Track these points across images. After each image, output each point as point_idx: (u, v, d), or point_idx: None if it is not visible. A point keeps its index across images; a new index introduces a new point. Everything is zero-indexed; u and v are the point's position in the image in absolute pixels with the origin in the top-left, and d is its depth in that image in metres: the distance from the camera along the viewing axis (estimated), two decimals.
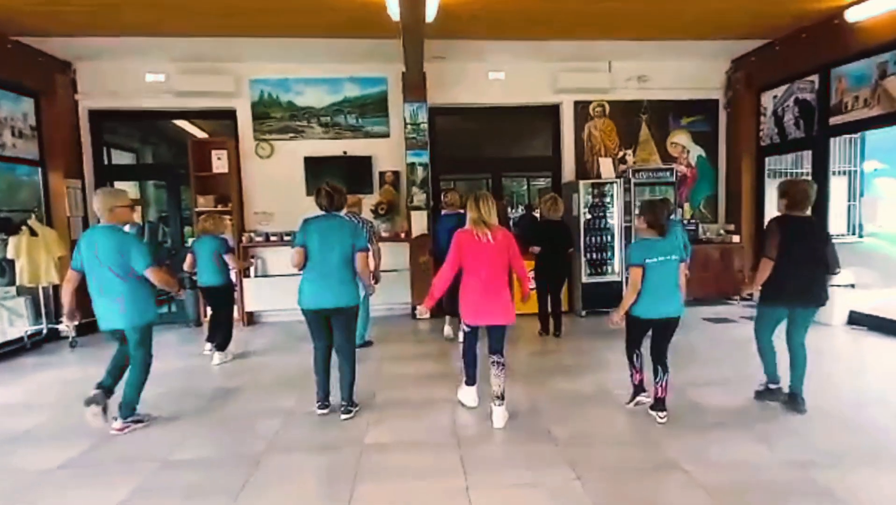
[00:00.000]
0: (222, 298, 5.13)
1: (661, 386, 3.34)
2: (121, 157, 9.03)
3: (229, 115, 6.97)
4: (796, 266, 3.33)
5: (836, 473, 2.68)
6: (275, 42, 6.14)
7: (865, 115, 5.46)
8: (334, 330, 3.59)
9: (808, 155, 6.41)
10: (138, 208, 3.74)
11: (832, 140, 5.99)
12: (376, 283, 4.77)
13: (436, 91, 6.84)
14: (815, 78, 6.03)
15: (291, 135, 6.94)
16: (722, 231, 7.29)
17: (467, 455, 2.97)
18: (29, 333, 5.83)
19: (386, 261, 6.56)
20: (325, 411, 3.60)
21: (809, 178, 5.98)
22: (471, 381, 3.65)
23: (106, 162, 7.19)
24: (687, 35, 6.28)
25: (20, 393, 4.41)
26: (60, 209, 6.30)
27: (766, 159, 7.01)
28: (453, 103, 7.09)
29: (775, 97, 6.68)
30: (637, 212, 3.60)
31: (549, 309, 5.60)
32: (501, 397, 3.35)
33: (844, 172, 7.25)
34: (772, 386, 3.62)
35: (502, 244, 3.34)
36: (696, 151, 7.41)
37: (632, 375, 3.59)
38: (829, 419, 3.33)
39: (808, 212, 3.48)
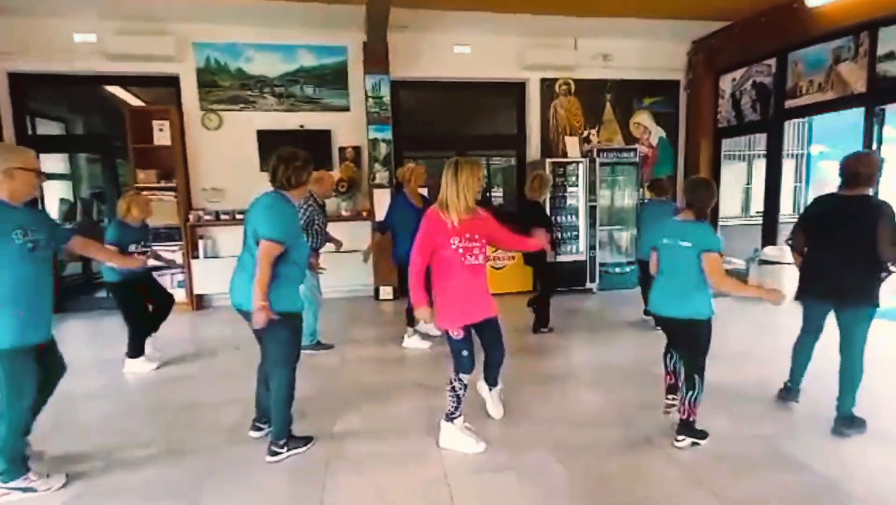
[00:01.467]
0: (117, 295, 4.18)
1: (683, 405, 2.76)
2: (48, 128, 8.20)
3: (171, 82, 6.39)
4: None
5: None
6: (222, 1, 5.64)
7: (819, 100, 5.64)
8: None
9: (762, 137, 6.60)
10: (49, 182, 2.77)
11: (787, 123, 6.18)
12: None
13: (399, 63, 6.52)
14: (772, 62, 6.17)
15: (242, 105, 6.45)
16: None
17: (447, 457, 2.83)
18: None
19: (347, 242, 6.31)
20: (258, 435, 2.93)
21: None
22: (459, 412, 2.80)
23: (30, 132, 6.47)
24: (650, 13, 6.25)
25: None
26: None
27: (723, 141, 7.17)
28: (417, 77, 6.81)
29: (734, 80, 6.81)
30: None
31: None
32: (447, 416, 2.81)
33: (793, 155, 7.55)
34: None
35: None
36: (658, 132, 7.48)
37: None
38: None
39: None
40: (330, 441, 2.89)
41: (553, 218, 6.39)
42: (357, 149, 6.66)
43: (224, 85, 6.40)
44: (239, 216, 6.20)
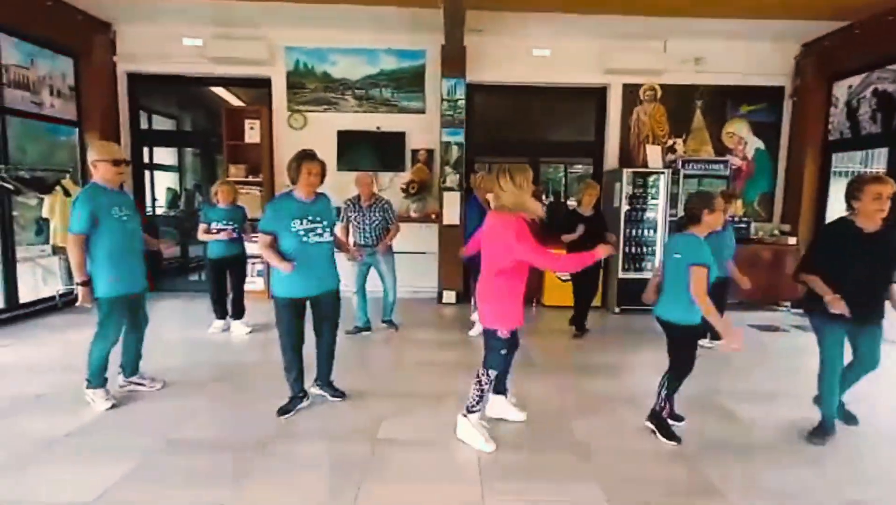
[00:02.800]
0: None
1: (658, 396, 3.08)
2: (162, 123, 9.09)
3: (264, 84, 6.83)
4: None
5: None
6: (312, 8, 5.91)
7: None
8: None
9: (882, 153, 5.80)
10: (126, 169, 3.38)
11: None
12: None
13: (476, 67, 6.50)
14: None
15: (325, 106, 6.75)
16: (776, 231, 6.74)
17: (485, 458, 2.75)
18: (60, 292, 5.91)
19: (415, 243, 6.41)
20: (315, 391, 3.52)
21: None
22: (479, 407, 3.00)
23: (145, 126, 7.21)
24: (752, 13, 5.71)
25: (44, 353, 4.44)
26: None
27: (834, 156, 6.40)
28: (494, 81, 6.74)
29: (850, 87, 6.05)
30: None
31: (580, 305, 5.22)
32: (467, 409, 2.96)
33: None
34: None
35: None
36: (755, 143, 6.84)
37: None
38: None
39: None
40: (374, 444, 2.91)
41: (628, 231, 6.07)
42: (430, 151, 6.73)
43: (310, 87, 6.73)
44: None
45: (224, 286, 5.11)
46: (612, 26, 6.18)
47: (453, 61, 6.24)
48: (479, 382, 2.91)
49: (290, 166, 3.12)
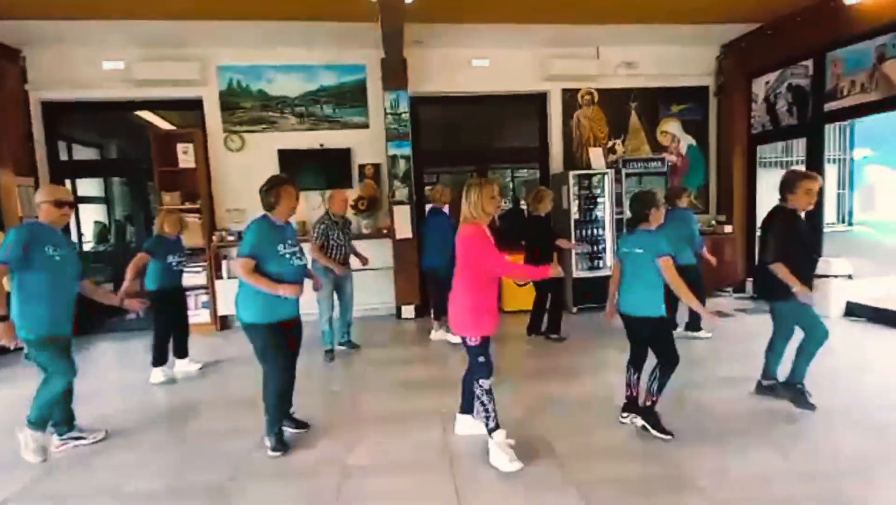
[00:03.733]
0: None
1: (647, 390, 3.12)
2: (85, 153, 8.49)
3: (196, 105, 6.51)
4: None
5: (861, 483, 2.46)
6: (244, 25, 5.72)
7: (862, 101, 5.29)
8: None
9: (801, 143, 6.25)
10: (70, 211, 3.15)
11: (827, 127, 5.83)
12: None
13: (417, 79, 6.48)
14: (809, 63, 5.86)
15: (264, 126, 6.52)
16: (714, 222, 7.10)
17: (461, 480, 2.66)
18: None
19: (369, 259, 6.24)
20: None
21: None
22: (494, 422, 2.92)
23: (67, 157, 6.69)
24: (675, 19, 6.07)
25: None
26: (12, 209, 5.79)
27: (758, 148, 6.83)
28: (436, 92, 6.75)
29: (767, 83, 6.50)
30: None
31: (547, 307, 5.23)
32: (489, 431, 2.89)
33: (835, 160, 7.13)
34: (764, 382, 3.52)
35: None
36: (687, 140, 7.20)
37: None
38: (842, 420, 3.13)
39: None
40: (343, 474, 2.76)
41: (579, 232, 6.20)
42: (376, 166, 6.62)
43: (246, 106, 6.48)
44: None
45: (171, 323, 4.60)
46: (547, 35, 6.35)
47: (394, 74, 6.19)
48: (479, 398, 2.85)
49: (270, 192, 3.06)
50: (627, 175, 6.35)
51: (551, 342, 5.11)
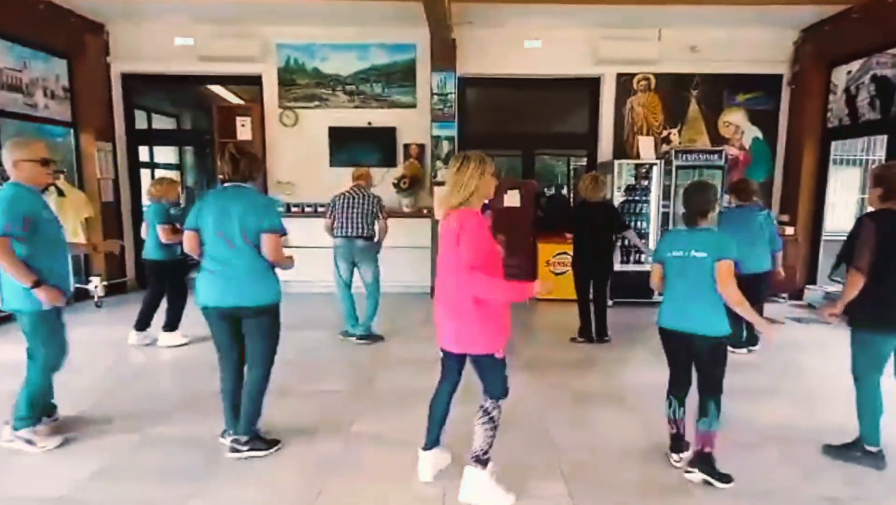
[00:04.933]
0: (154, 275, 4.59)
1: (701, 435, 2.53)
2: (163, 122, 9.20)
3: (256, 81, 6.84)
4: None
5: None
6: (300, 4, 5.91)
7: None
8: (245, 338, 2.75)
9: (882, 140, 5.66)
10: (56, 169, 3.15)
11: None
12: None
13: (467, 60, 6.45)
14: None
15: (317, 103, 6.75)
16: (775, 222, 6.61)
17: (460, 459, 2.75)
18: None
19: (407, 239, 6.39)
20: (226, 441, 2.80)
21: None
22: (427, 443, 2.56)
23: (144, 126, 7.28)
24: (750, 0, 5.60)
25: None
26: (91, 171, 6.41)
27: (833, 144, 6.25)
28: (486, 73, 6.69)
29: (849, 73, 5.90)
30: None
31: (592, 306, 4.93)
32: (476, 460, 2.37)
33: None
34: (869, 448, 2.67)
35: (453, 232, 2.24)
36: (752, 132, 6.70)
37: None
38: None
39: None
40: (345, 442, 2.93)
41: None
42: (421, 146, 6.70)
43: (301, 83, 6.73)
44: (308, 209, 6.53)
45: (163, 292, 4.58)
46: (604, 15, 6.07)
47: (443, 54, 6.20)
48: (490, 417, 2.34)
49: (255, 159, 2.79)
50: (679, 167, 6.03)
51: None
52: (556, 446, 2.88)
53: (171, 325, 4.59)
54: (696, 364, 2.59)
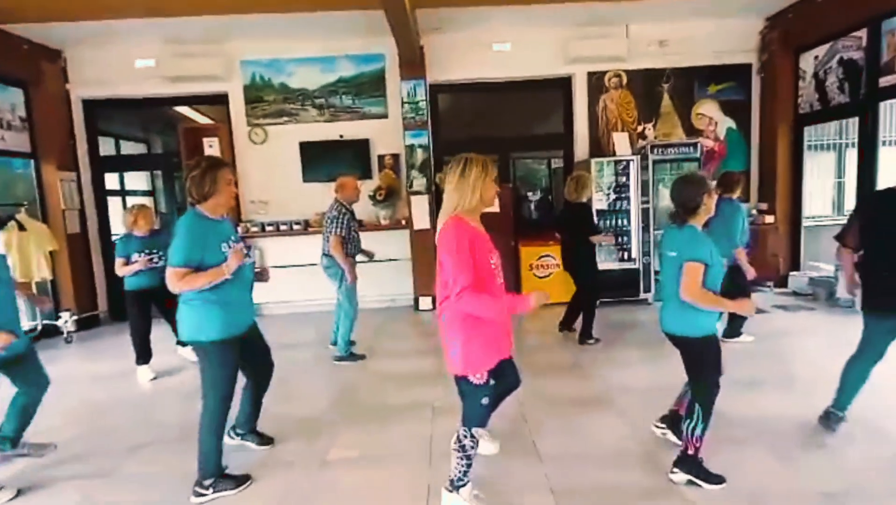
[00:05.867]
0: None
1: (684, 435, 2.44)
2: (133, 148, 8.99)
3: (222, 100, 6.69)
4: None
5: None
6: (264, 19, 5.77)
7: None
8: None
9: (854, 123, 5.67)
10: None
11: (882, 105, 5.24)
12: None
13: (436, 67, 6.38)
14: (862, 33, 5.27)
15: (285, 119, 6.62)
16: (754, 211, 6.60)
17: (436, 476, 2.60)
18: (25, 330, 5.74)
19: (387, 250, 6.24)
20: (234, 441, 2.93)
21: None
22: (468, 478, 2.31)
23: (105, 153, 7.06)
24: None
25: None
26: (55, 202, 6.18)
27: (806, 129, 6.26)
28: (457, 79, 6.61)
29: (816, 58, 5.92)
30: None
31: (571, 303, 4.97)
32: (451, 484, 2.29)
33: (893, 142, 6.41)
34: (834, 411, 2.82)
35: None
36: (726, 123, 6.70)
37: None
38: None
39: None
40: (323, 468, 2.77)
41: (602, 222, 5.91)
42: (396, 156, 6.59)
43: (269, 100, 6.59)
44: (283, 227, 6.37)
45: (149, 321, 4.43)
46: (572, 14, 6.04)
47: (411, 63, 6.11)
48: (462, 446, 2.22)
49: (202, 178, 2.41)
50: (655, 162, 5.97)
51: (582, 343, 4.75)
52: (541, 455, 2.75)
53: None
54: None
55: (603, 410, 3.30)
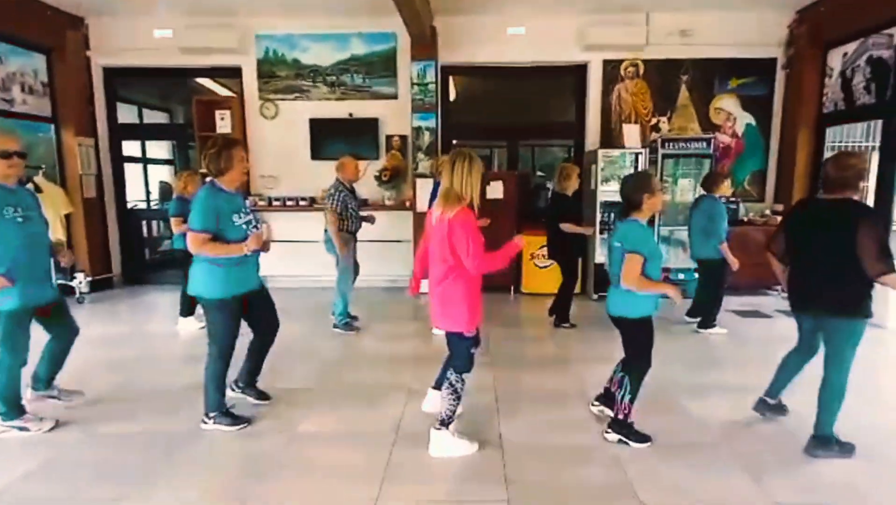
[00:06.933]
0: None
1: (618, 404, 2.79)
2: (155, 117, 9.15)
3: (236, 73, 6.75)
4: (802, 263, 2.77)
5: None
6: None
7: None
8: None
9: (879, 125, 5.41)
10: (20, 161, 2.77)
11: None
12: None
13: (449, 48, 6.31)
14: (894, 31, 4.99)
15: (296, 94, 6.65)
16: (768, 212, 6.40)
17: (397, 457, 2.67)
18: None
19: (389, 231, 6.30)
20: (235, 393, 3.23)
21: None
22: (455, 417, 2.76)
23: (123, 120, 7.23)
24: None
25: None
26: (73, 167, 6.39)
27: (828, 130, 6.00)
28: (468, 62, 6.53)
29: (845, 55, 5.64)
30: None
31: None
32: (441, 423, 2.69)
33: None
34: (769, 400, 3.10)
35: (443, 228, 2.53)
36: (745, 119, 6.47)
37: None
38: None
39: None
40: (291, 440, 2.86)
41: (606, 214, 5.82)
42: (403, 137, 6.57)
43: (281, 75, 6.63)
44: (290, 202, 6.46)
45: None
46: (589, 0, 5.88)
47: (422, 44, 6.05)
48: (454, 389, 2.64)
49: (217, 155, 2.75)
50: (665, 156, 5.83)
51: (563, 329, 4.94)
52: (504, 446, 2.78)
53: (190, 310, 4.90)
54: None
55: (575, 404, 3.30)
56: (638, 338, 2.77)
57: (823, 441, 2.67)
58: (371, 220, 4.96)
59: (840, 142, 6.05)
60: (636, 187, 2.69)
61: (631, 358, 2.81)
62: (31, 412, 2.97)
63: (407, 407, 3.24)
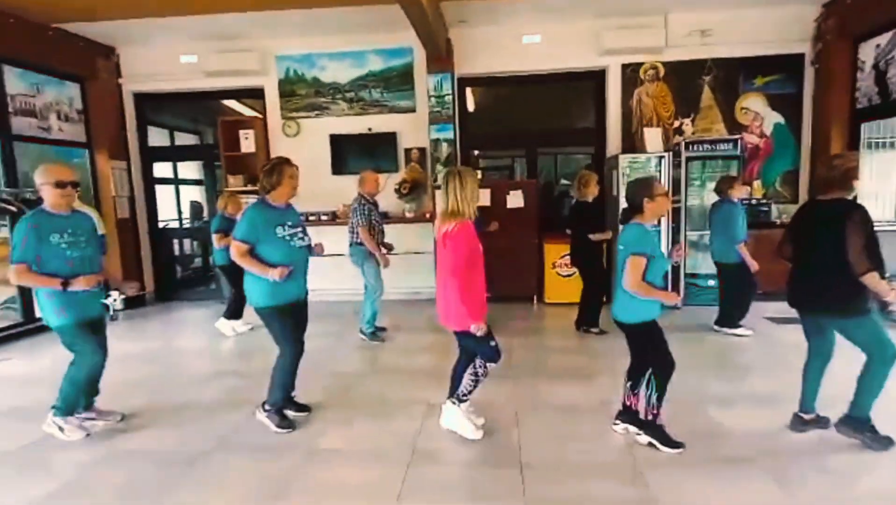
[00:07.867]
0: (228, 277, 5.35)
1: (645, 406, 2.80)
2: (186, 139, 9.49)
3: (259, 94, 6.93)
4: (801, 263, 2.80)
5: None
6: (297, 14, 5.92)
7: None
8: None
9: None
10: (72, 191, 3.02)
11: None
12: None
13: (464, 60, 6.33)
14: None
15: (317, 112, 6.78)
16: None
17: (413, 474, 2.63)
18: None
19: (410, 244, 6.32)
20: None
21: None
22: (470, 397, 3.01)
23: (154, 144, 7.51)
24: None
25: (37, 365, 4.64)
26: (107, 189, 6.66)
27: (863, 126, 5.74)
28: (484, 73, 6.53)
29: (878, 46, 5.40)
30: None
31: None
32: (457, 398, 2.98)
33: None
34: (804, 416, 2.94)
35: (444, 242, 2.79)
36: (773, 118, 6.25)
37: None
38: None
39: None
40: (309, 457, 2.86)
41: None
42: (422, 150, 6.61)
43: (301, 93, 6.78)
44: (311, 217, 6.56)
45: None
46: (606, 4, 5.81)
47: (438, 56, 6.09)
48: (476, 373, 2.89)
49: (269, 172, 3.05)
50: (689, 159, 5.67)
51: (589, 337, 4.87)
52: (523, 461, 2.70)
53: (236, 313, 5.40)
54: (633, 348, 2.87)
55: (597, 418, 3.20)
56: (644, 343, 2.78)
57: (857, 423, 2.65)
58: (390, 248, 5.03)
59: (878, 137, 5.78)
60: (637, 191, 2.75)
61: (652, 362, 2.76)
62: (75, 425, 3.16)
63: (424, 423, 3.20)
